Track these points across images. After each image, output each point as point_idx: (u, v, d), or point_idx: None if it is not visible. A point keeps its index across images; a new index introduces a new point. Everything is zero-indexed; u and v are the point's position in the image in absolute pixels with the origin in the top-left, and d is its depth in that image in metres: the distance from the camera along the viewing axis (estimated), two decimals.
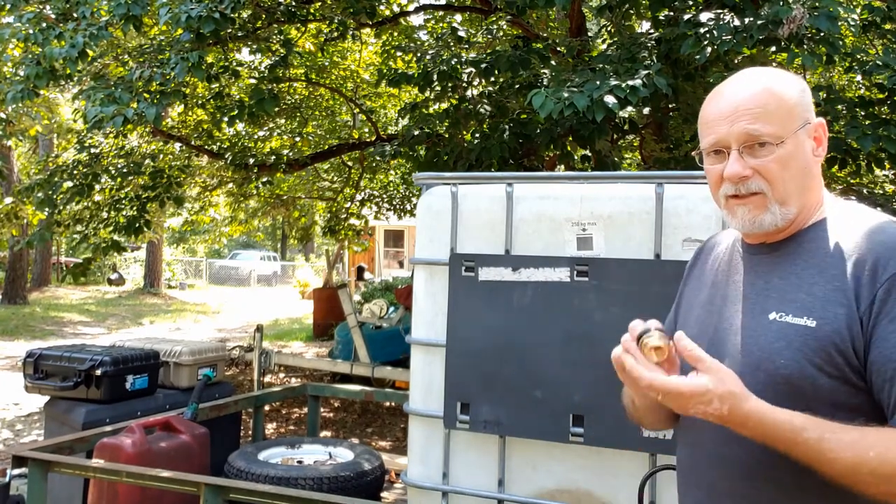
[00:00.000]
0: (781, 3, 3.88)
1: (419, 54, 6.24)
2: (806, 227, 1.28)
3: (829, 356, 1.15)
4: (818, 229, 1.27)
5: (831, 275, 1.19)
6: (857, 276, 1.17)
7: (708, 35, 4.06)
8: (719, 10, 4.25)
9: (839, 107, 4.62)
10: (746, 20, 4.02)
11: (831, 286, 1.19)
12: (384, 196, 12.03)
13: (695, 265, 1.49)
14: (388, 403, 7.60)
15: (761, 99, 1.24)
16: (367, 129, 9.56)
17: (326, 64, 9.06)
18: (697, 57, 4.12)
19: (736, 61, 4.90)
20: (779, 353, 1.19)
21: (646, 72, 4.16)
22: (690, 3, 4.86)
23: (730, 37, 3.98)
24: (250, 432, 5.02)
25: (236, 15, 5.51)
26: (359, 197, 11.75)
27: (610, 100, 3.94)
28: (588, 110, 3.93)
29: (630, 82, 4.02)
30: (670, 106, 5.89)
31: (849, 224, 1.24)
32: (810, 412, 1.16)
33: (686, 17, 4.36)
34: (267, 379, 8.45)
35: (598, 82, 4.07)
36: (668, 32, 4.53)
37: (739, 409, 1.11)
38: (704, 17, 4.20)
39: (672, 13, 4.83)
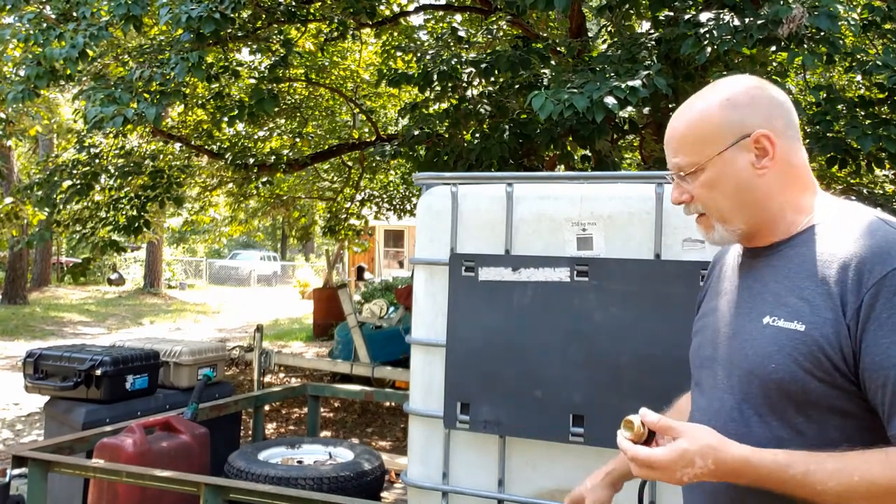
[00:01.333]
0: (781, 3, 3.88)
1: (419, 54, 6.24)
2: (801, 231, 1.28)
3: (818, 361, 1.16)
4: (813, 232, 1.27)
5: (820, 279, 1.20)
6: (844, 280, 1.17)
7: (708, 35, 4.05)
8: (719, 10, 4.24)
9: (839, 106, 4.62)
10: (746, 20, 4.02)
11: (820, 290, 1.19)
12: (384, 196, 12.03)
13: (710, 275, 1.52)
14: (388, 403, 7.60)
15: (679, 131, 1.33)
16: (367, 129, 9.56)
17: (326, 64, 9.05)
18: (697, 57, 4.12)
19: (736, 61, 4.90)
20: (770, 357, 1.20)
21: (646, 72, 4.16)
22: (690, 2, 4.86)
23: (729, 37, 3.98)
24: (250, 432, 5.01)
25: (236, 15, 5.51)
26: (359, 197, 11.75)
27: (610, 100, 3.94)
28: (588, 111, 3.93)
29: (630, 83, 4.02)
30: (670, 106, 5.88)
31: (841, 227, 1.24)
32: (804, 416, 1.18)
33: (686, 17, 4.35)
34: (267, 379, 8.45)
35: (598, 83, 4.07)
36: (668, 33, 4.53)
37: (724, 460, 1.13)
38: (704, 17, 4.20)
39: (672, 13, 4.83)
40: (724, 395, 1.28)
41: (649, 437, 1.19)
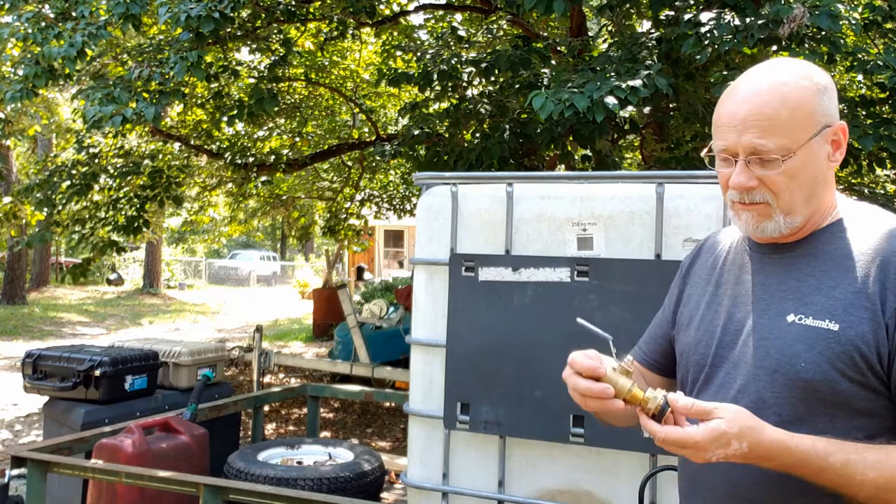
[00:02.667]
0: (783, 2, 3.87)
1: (419, 54, 6.24)
2: (821, 228, 1.25)
3: (852, 360, 1.13)
4: (834, 230, 1.24)
5: (853, 277, 1.17)
6: (882, 279, 1.14)
7: (708, 35, 4.05)
8: (719, 10, 4.24)
9: (840, 106, 4.61)
10: (747, 20, 4.01)
11: (853, 289, 1.16)
12: (384, 196, 12.03)
13: (694, 263, 1.46)
14: (387, 404, 7.59)
15: (772, 109, 1.18)
16: (366, 129, 9.55)
17: (326, 63, 9.05)
18: (698, 57, 4.11)
19: (737, 60, 4.89)
20: (798, 356, 1.17)
21: (646, 72, 4.15)
22: (692, 2, 4.85)
23: (730, 37, 3.97)
24: (250, 433, 5.01)
25: (236, 14, 5.50)
26: (358, 197, 11.75)
27: (610, 100, 3.93)
28: (588, 111, 3.92)
29: (630, 83, 4.02)
30: (671, 105, 5.88)
31: (867, 226, 1.22)
32: (829, 416, 1.16)
33: (687, 16, 4.35)
34: (266, 379, 8.44)
35: (598, 83, 4.06)
36: (669, 33, 4.52)
37: (759, 444, 1.09)
38: (705, 16, 4.19)
39: (673, 13, 4.82)
40: (737, 394, 1.24)
41: (660, 414, 1.14)
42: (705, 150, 1.31)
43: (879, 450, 1.09)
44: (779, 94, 1.19)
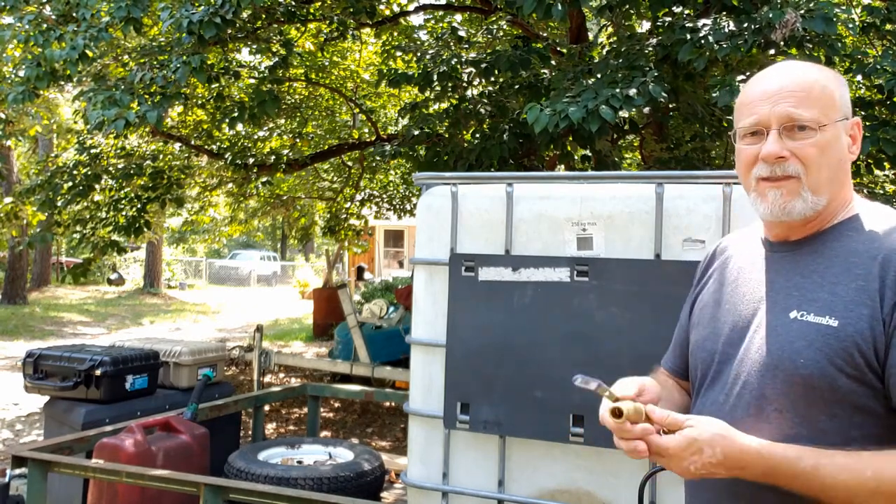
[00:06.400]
0: (780, 5, 3.88)
1: (419, 54, 6.24)
2: (830, 226, 1.27)
3: (850, 357, 1.14)
4: (843, 228, 1.25)
5: (855, 274, 1.18)
6: (882, 276, 1.16)
7: (703, 41, 4.06)
8: (717, 16, 4.24)
9: None
10: (743, 24, 4.02)
11: (855, 286, 1.17)
12: (384, 196, 12.04)
13: (709, 266, 1.48)
14: (388, 403, 7.60)
15: (806, 84, 1.24)
16: (367, 129, 9.56)
17: (326, 64, 9.06)
18: (695, 64, 4.12)
19: (735, 63, 4.90)
20: (799, 352, 1.18)
21: (642, 79, 4.16)
22: (690, 4, 4.86)
23: (725, 43, 3.98)
24: (250, 432, 5.02)
25: (237, 18, 5.50)
26: (359, 197, 11.75)
27: (605, 110, 3.94)
28: (584, 121, 3.93)
29: (626, 91, 4.02)
30: (670, 106, 5.89)
31: (875, 224, 1.23)
32: (828, 413, 1.16)
33: (683, 23, 4.35)
34: (267, 379, 8.45)
35: (594, 92, 4.06)
36: (665, 38, 4.53)
37: (732, 450, 1.12)
38: (701, 22, 4.20)
39: (671, 17, 4.83)
40: (741, 390, 1.25)
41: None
42: (730, 131, 1.34)
43: (851, 454, 1.10)
44: (810, 74, 1.26)
